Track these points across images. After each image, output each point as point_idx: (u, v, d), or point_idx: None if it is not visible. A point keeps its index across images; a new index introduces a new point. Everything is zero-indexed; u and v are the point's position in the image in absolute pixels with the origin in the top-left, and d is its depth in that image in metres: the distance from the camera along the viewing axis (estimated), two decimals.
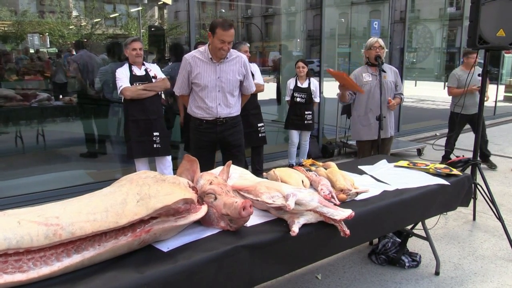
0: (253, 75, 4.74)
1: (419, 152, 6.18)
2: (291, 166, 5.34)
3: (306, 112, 5.14)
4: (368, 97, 3.84)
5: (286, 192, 1.88)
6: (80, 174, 4.97)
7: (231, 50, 3.27)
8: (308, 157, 5.88)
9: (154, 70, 4.15)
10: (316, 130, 6.32)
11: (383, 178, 2.62)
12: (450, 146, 5.40)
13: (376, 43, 3.78)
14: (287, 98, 5.27)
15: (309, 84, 5.15)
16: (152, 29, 11.26)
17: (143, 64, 4.13)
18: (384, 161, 2.99)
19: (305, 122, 5.16)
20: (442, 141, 6.96)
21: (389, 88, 3.84)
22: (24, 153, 5.66)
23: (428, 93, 13.72)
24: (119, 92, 3.98)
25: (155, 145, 4.10)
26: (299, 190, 1.92)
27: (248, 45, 4.88)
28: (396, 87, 3.94)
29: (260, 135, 4.80)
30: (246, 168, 3.49)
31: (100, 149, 5.76)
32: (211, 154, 3.47)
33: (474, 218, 3.71)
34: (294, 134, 5.28)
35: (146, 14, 15.04)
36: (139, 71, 4.07)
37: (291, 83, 5.20)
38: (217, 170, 2.30)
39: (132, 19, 14.83)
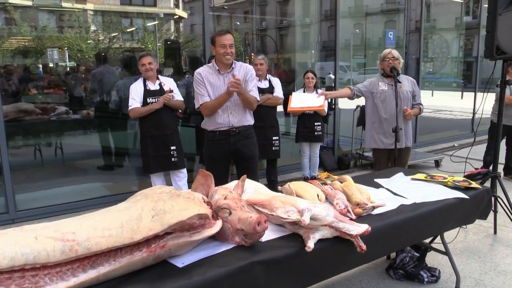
0: (273, 87, 4.80)
1: (437, 164, 6.08)
2: (305, 178, 5.31)
3: (315, 124, 5.12)
4: (383, 106, 3.81)
5: (301, 207, 1.87)
6: (97, 187, 5.03)
7: (237, 62, 3.37)
8: (324, 169, 5.85)
9: (169, 84, 4.20)
10: (331, 141, 6.28)
11: (400, 191, 2.58)
12: (490, 157, 5.26)
13: (389, 54, 3.76)
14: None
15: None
16: (168, 42, 11.41)
17: (158, 78, 4.19)
18: (401, 174, 2.95)
19: (315, 133, 5.14)
20: (460, 153, 6.85)
21: (405, 97, 3.81)
22: (42, 166, 5.75)
23: (445, 103, 13.54)
24: (129, 111, 4.09)
25: (172, 159, 4.16)
26: (314, 205, 1.90)
27: (262, 56, 4.91)
28: (414, 97, 3.90)
29: (274, 148, 4.81)
30: (258, 180, 3.48)
31: (117, 162, 5.83)
32: (225, 167, 3.48)
33: (495, 232, 3.62)
34: (306, 146, 5.26)
35: (162, 28, 15.27)
36: (153, 86, 4.13)
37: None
38: (232, 184, 2.30)
39: (149, 32, 15.08)
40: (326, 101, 5.37)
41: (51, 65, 12.95)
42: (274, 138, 4.80)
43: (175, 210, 1.64)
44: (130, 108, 4.07)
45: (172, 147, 4.16)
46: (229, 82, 3.11)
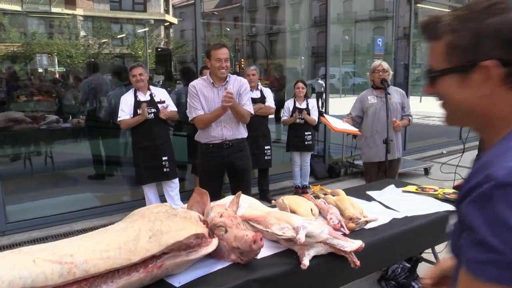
0: (265, 97, 4.84)
1: (426, 172, 6.17)
2: (296, 187, 5.35)
3: (306, 133, 5.16)
4: (373, 119, 3.88)
5: (296, 224, 1.90)
6: (88, 197, 5.01)
7: (231, 75, 3.41)
8: (315, 177, 5.90)
9: (160, 94, 4.22)
10: (322, 149, 6.34)
11: (391, 204, 2.62)
12: None
13: (379, 67, 3.82)
14: (285, 117, 5.26)
15: (307, 104, 5.18)
16: (159, 49, 11.41)
17: (149, 89, 4.20)
18: (392, 186, 3.00)
19: (306, 143, 5.19)
20: (449, 159, 6.93)
21: (394, 109, 3.87)
22: (33, 176, 5.72)
23: (434, 109, 13.69)
24: (119, 122, 4.10)
25: (164, 169, 4.17)
26: (309, 222, 1.93)
27: (254, 67, 4.96)
28: (403, 109, 3.96)
29: (266, 157, 4.85)
30: (251, 192, 3.52)
31: (108, 171, 5.82)
32: (218, 179, 3.50)
33: None
34: (296, 155, 5.30)
35: (152, 34, 15.26)
36: (143, 97, 4.14)
37: (289, 104, 5.22)
38: (227, 200, 2.32)
39: (139, 38, 15.06)
40: (318, 109, 5.45)
41: (40, 70, 12.86)
42: (266, 147, 4.85)
43: (172, 230, 1.65)
44: (119, 119, 4.08)
45: (164, 158, 4.18)
46: (222, 96, 3.14)
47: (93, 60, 13.36)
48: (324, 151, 6.25)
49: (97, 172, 5.71)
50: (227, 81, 3.31)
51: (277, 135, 7.24)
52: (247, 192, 3.39)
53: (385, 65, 3.83)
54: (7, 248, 3.88)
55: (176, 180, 4.40)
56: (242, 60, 16.65)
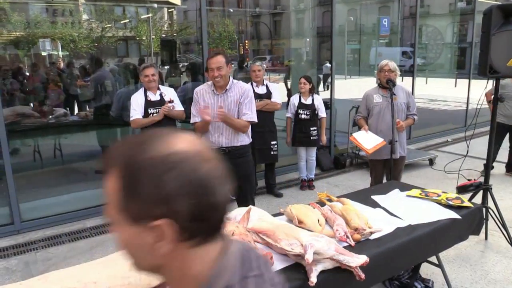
0: (271, 93, 4.88)
1: (431, 162, 6.22)
2: (303, 181, 5.43)
3: (311, 129, 5.19)
4: (378, 118, 3.92)
5: (304, 241, 1.99)
6: (98, 193, 5.10)
7: (234, 81, 3.42)
8: (321, 169, 5.98)
9: (170, 94, 4.27)
10: (328, 140, 6.39)
11: (395, 211, 2.70)
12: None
13: (385, 67, 3.84)
14: (288, 114, 5.29)
15: (313, 100, 5.21)
16: (163, 34, 11.36)
17: (158, 89, 4.26)
18: (396, 191, 3.07)
19: (311, 138, 5.23)
20: (454, 148, 7.01)
21: (400, 109, 3.91)
22: (43, 171, 5.83)
23: (440, 92, 13.64)
24: (131, 121, 4.17)
25: None
26: (317, 239, 2.02)
27: (260, 63, 4.98)
28: (408, 108, 4.00)
29: (272, 152, 4.93)
30: (254, 198, 3.59)
31: None
32: None
33: (486, 237, 3.78)
34: (302, 150, 5.35)
35: (155, 16, 15.15)
36: (153, 96, 4.20)
37: (294, 100, 5.25)
38: (237, 212, 2.41)
39: (142, 22, 14.95)
40: (322, 99, 5.47)
41: (44, 53, 12.85)
42: (272, 142, 4.92)
43: None
44: (131, 119, 4.15)
45: None
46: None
47: (91, 42, 13.29)
48: (330, 142, 6.30)
49: None
50: (226, 89, 3.32)
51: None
52: (249, 198, 3.48)
53: (392, 65, 3.85)
54: (23, 247, 4.03)
55: None
56: (246, 41, 16.55)
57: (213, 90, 3.33)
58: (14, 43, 12.06)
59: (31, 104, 6.98)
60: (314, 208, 2.61)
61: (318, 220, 2.44)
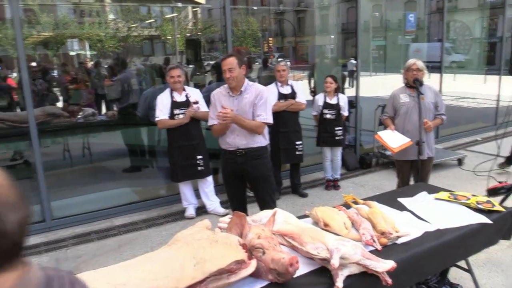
0: (295, 93, 4.87)
1: (460, 162, 6.08)
2: (328, 181, 5.40)
3: (336, 128, 5.15)
4: (405, 119, 3.86)
5: (330, 246, 1.98)
6: (126, 192, 5.23)
7: (250, 82, 3.42)
8: (346, 168, 5.94)
9: (195, 95, 4.32)
10: (353, 139, 6.34)
11: (423, 214, 2.65)
12: None
13: (413, 65, 3.77)
14: (314, 113, 5.28)
15: (338, 100, 5.16)
16: (189, 38, 11.46)
17: (184, 90, 4.31)
18: (424, 193, 3.01)
19: (336, 138, 5.19)
20: (482, 147, 6.81)
21: (427, 109, 3.83)
22: (72, 170, 5.98)
23: (468, 89, 13.27)
24: (156, 121, 4.24)
25: (199, 168, 4.32)
26: (343, 243, 2.00)
27: (284, 63, 4.99)
28: (436, 108, 3.92)
29: (297, 152, 4.92)
30: (272, 200, 3.57)
31: (144, 164, 6.02)
32: (238, 184, 3.55)
33: None
34: (327, 150, 5.32)
35: (180, 15, 15.28)
36: (179, 97, 4.26)
37: (319, 99, 5.21)
38: (262, 215, 2.42)
39: (167, 21, 15.11)
40: (347, 99, 5.41)
41: (72, 53, 13.13)
42: (297, 142, 4.91)
43: (214, 258, 1.76)
44: (157, 119, 4.22)
45: (198, 156, 4.32)
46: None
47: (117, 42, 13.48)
48: (355, 142, 6.24)
49: (132, 165, 5.92)
50: (241, 91, 3.33)
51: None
52: (266, 200, 3.48)
53: (419, 64, 3.77)
54: (54, 244, 4.15)
55: (210, 178, 4.55)
56: (270, 39, 16.50)
57: (228, 92, 3.35)
58: (44, 43, 12.40)
59: (61, 104, 7.16)
60: (339, 210, 2.59)
61: (344, 223, 2.42)
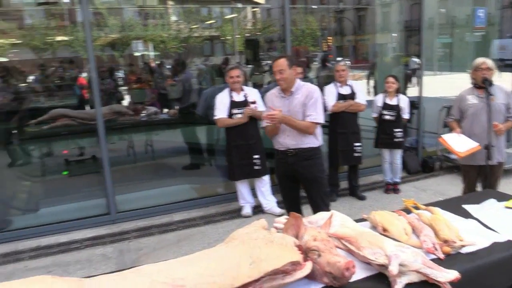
0: (355, 93, 4.78)
1: None
2: (387, 184, 5.25)
3: (395, 130, 4.98)
4: (472, 121, 3.65)
5: (388, 251, 1.92)
6: (185, 188, 5.40)
7: (302, 83, 3.39)
8: (407, 171, 5.73)
9: (253, 95, 4.38)
10: (415, 141, 6.10)
11: (491, 223, 2.50)
12: None
13: (482, 65, 3.56)
14: (374, 114, 5.15)
15: (398, 101, 4.98)
16: (248, 38, 11.60)
17: (242, 90, 4.38)
18: (492, 201, 2.84)
19: (395, 140, 5.01)
20: None
21: (497, 111, 3.60)
22: (136, 166, 6.27)
23: None
24: (215, 120, 4.34)
25: (255, 167, 4.37)
26: (402, 249, 1.94)
27: (343, 63, 4.90)
28: (508, 109, 3.67)
29: (355, 154, 4.83)
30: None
31: (202, 162, 6.18)
32: (291, 184, 3.53)
33: None
34: (385, 152, 5.16)
35: (239, 16, 15.50)
36: (238, 97, 4.34)
37: (379, 100, 5.06)
38: (318, 217, 2.40)
39: (227, 21, 15.38)
40: (408, 100, 5.22)
41: (136, 54, 13.74)
42: (355, 144, 4.82)
43: (270, 258, 1.77)
44: (216, 117, 4.32)
45: (255, 156, 4.38)
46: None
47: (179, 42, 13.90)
48: (417, 144, 5.99)
49: (192, 163, 6.10)
50: (292, 91, 3.32)
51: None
52: (317, 202, 3.44)
53: (489, 63, 3.55)
54: (117, 236, 4.37)
55: (266, 177, 4.58)
56: (329, 38, 16.30)
57: (280, 93, 3.36)
58: (111, 45, 13.09)
59: (126, 103, 7.52)
60: (399, 215, 2.50)
61: (404, 229, 2.34)
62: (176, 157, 6.38)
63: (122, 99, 7.80)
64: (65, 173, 6.16)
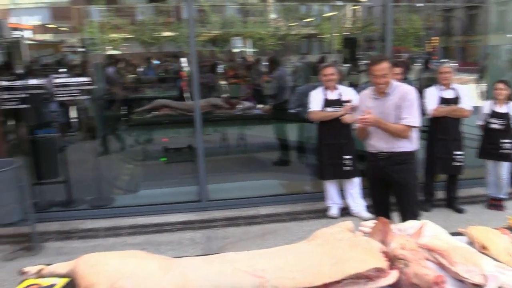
0: (459, 98, 4.45)
1: None
2: (490, 199, 4.81)
3: (503, 141, 4.53)
4: None
5: (486, 271, 1.76)
6: (273, 183, 5.48)
7: (397, 83, 3.22)
8: None
9: (348, 94, 4.29)
10: None
11: None
12: None
13: None
14: (480, 122, 4.73)
15: (509, 108, 4.51)
16: (345, 37, 11.38)
17: (337, 88, 4.31)
18: None
19: (502, 151, 4.56)
20: None
21: None
22: (227, 157, 6.50)
23: None
24: (308, 114, 4.32)
25: (345, 168, 4.29)
26: (503, 271, 1.77)
27: (448, 64, 4.60)
28: None
29: (455, 163, 4.49)
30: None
31: (292, 159, 6.21)
32: (381, 188, 3.39)
33: None
34: (490, 163, 4.72)
35: (339, 14, 15.23)
36: (331, 95, 4.29)
37: (486, 107, 4.64)
38: (408, 225, 2.28)
39: (325, 19, 15.19)
40: None
41: (235, 50, 14.20)
42: (456, 152, 4.49)
43: (353, 260, 1.73)
44: (311, 110, 4.31)
45: (346, 156, 4.29)
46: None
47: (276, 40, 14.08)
48: None
49: (282, 159, 6.16)
50: (387, 93, 3.17)
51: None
52: (407, 209, 3.27)
53: None
54: (206, 223, 4.57)
55: (357, 179, 4.47)
56: (435, 38, 15.29)
57: (374, 94, 3.22)
58: (212, 41, 13.65)
59: (222, 97, 7.81)
60: (502, 234, 2.28)
61: (507, 249, 2.13)
62: (267, 152, 6.49)
63: (220, 93, 8.12)
64: (163, 159, 6.60)
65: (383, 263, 1.76)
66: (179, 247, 4.03)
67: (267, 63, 9.12)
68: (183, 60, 8.71)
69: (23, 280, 1.95)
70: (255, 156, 6.70)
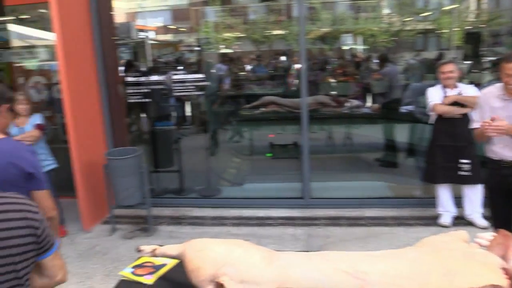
0: None
1: None
2: None
3: None
4: None
5: None
6: (379, 185, 5.26)
7: None
8: None
9: (470, 92, 3.95)
10: None
11: None
12: None
13: None
14: None
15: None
16: (467, 32, 10.49)
17: (457, 86, 3.99)
18: None
19: None
20: None
21: None
22: (332, 156, 6.41)
23: None
24: (429, 108, 4.04)
25: (460, 172, 3.95)
26: None
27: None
28: None
29: None
30: None
31: (400, 161, 5.91)
32: (503, 198, 3.02)
33: None
34: None
35: (461, 6, 14.06)
36: (451, 93, 3.97)
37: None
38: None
39: (445, 13, 14.13)
40: None
41: (344, 48, 13.93)
42: None
43: (467, 273, 1.59)
44: (432, 103, 4.04)
45: (463, 160, 3.94)
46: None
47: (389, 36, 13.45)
48: None
49: (389, 160, 5.89)
50: None
51: None
52: None
53: None
54: (308, 220, 4.56)
55: (479, 186, 4.07)
56: None
57: (502, 94, 2.85)
58: (322, 38, 13.53)
59: (330, 94, 7.71)
60: None
61: None
62: (373, 153, 6.25)
63: (328, 90, 8.03)
64: (269, 155, 6.76)
65: (502, 281, 1.59)
66: (280, 242, 4.09)
67: (377, 61, 8.78)
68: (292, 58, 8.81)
69: (139, 257, 2.15)
70: (361, 156, 6.50)
